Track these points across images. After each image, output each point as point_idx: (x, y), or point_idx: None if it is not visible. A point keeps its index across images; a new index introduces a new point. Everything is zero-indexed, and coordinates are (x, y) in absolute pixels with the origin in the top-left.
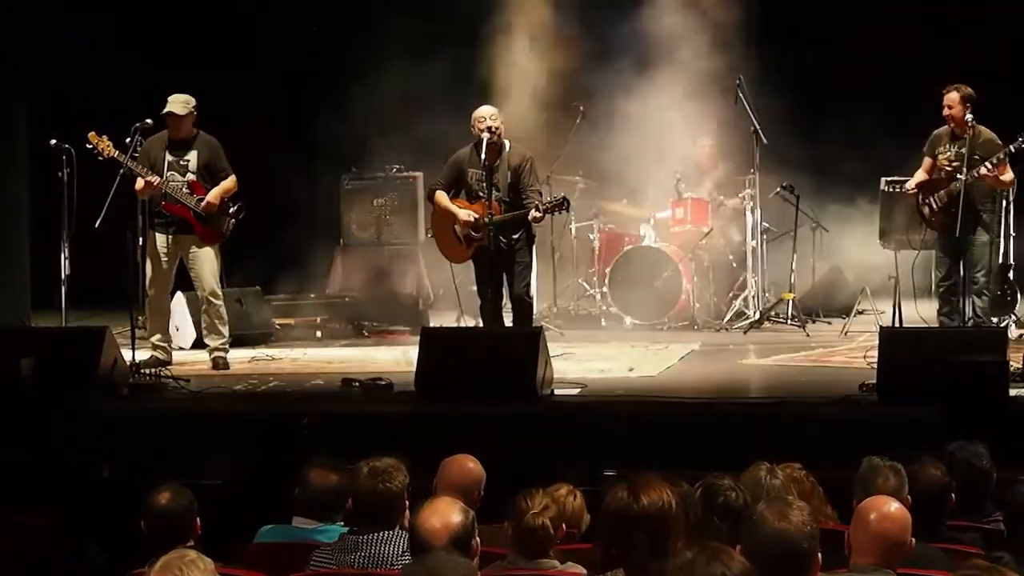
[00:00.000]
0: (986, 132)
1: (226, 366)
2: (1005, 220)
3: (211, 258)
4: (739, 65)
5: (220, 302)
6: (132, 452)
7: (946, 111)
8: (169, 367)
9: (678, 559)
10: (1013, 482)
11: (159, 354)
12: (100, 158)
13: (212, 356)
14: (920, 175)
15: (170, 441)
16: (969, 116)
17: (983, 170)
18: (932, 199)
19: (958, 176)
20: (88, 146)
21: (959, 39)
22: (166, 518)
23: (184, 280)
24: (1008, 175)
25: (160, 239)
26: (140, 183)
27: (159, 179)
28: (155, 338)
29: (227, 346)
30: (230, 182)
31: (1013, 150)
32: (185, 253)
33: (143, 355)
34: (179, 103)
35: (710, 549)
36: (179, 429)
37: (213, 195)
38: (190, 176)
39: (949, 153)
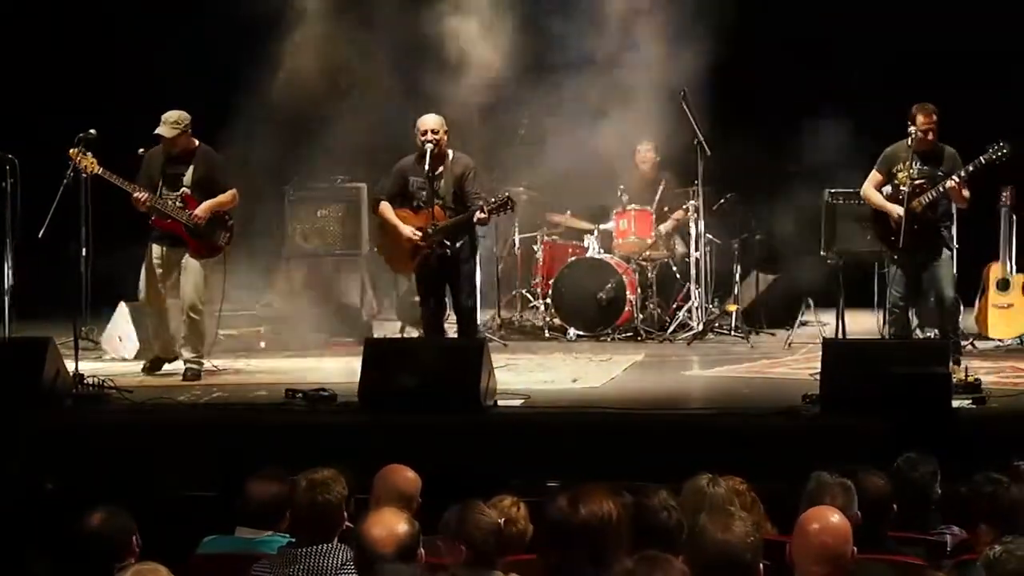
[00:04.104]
0: (949, 149)
1: (196, 378)
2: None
3: (196, 271)
4: (684, 74)
5: (198, 317)
6: (75, 463)
7: (927, 130)
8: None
9: (617, 567)
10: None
11: (192, 365)
12: (83, 175)
13: (184, 367)
14: (871, 189)
15: (113, 452)
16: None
17: (950, 183)
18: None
19: (930, 194)
20: (70, 162)
21: (907, 53)
22: (102, 539)
23: (130, 291)
24: (967, 192)
25: (156, 250)
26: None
27: (147, 195)
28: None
29: (201, 361)
30: (225, 196)
31: (984, 161)
32: (177, 264)
33: (87, 366)
34: (168, 124)
35: (650, 557)
36: (122, 440)
37: (202, 209)
38: (184, 190)
39: (912, 171)
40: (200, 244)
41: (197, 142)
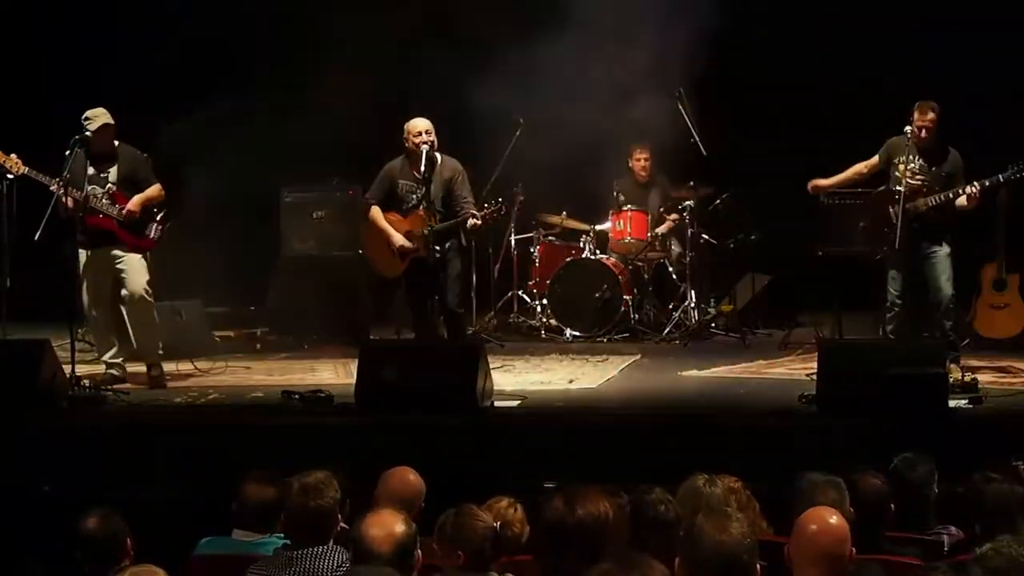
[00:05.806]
0: (954, 152)
1: (162, 385)
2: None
3: (137, 261)
4: (680, 74)
5: (147, 307)
6: (72, 466)
7: (922, 127)
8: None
9: (595, 569)
10: (964, 493)
11: (115, 371)
12: (10, 176)
13: (148, 373)
14: (853, 167)
15: (110, 454)
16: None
17: (971, 189)
18: (892, 211)
19: (938, 198)
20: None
21: (907, 53)
22: (97, 542)
23: None
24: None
25: (83, 256)
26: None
27: (79, 192)
28: (107, 356)
29: (160, 365)
30: (153, 190)
31: (1002, 179)
32: (112, 263)
33: (83, 369)
34: (99, 119)
35: (629, 559)
36: (119, 442)
37: (134, 203)
38: (110, 187)
39: (913, 165)
40: (132, 237)
41: (117, 141)
